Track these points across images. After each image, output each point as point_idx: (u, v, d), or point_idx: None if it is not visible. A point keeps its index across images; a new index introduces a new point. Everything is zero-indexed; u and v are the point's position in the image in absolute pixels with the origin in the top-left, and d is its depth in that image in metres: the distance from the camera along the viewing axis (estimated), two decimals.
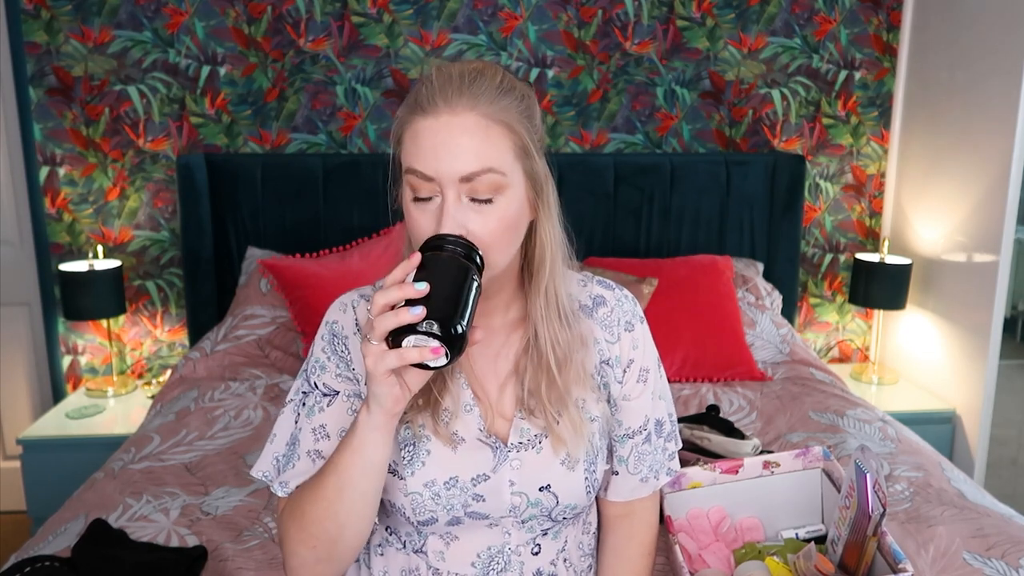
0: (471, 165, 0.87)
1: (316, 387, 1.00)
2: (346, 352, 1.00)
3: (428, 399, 0.97)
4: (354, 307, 1.01)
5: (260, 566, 1.42)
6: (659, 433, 1.10)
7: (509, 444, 0.99)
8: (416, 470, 0.97)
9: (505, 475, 0.99)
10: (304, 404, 1.01)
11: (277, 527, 1.05)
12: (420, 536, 1.02)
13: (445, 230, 0.87)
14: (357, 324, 1.00)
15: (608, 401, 1.06)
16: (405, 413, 0.97)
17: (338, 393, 0.99)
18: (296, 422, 1.01)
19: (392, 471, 0.98)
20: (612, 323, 1.05)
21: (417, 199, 0.90)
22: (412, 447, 0.98)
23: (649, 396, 1.08)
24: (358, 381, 0.99)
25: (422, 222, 0.90)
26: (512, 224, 0.92)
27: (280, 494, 1.00)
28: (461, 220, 0.88)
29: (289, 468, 0.99)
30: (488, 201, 0.89)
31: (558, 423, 0.99)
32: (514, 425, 1.00)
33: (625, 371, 1.06)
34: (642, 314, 1.09)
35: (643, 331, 1.08)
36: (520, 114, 0.91)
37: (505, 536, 1.01)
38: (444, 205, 0.88)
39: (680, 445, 1.16)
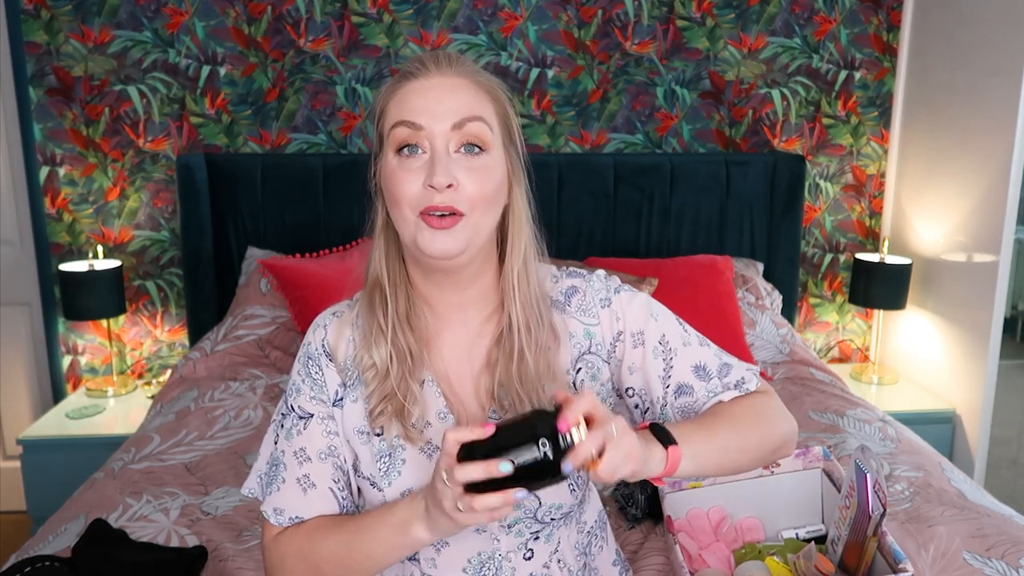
0: (462, 111, 0.90)
1: (293, 409, 1.01)
2: (319, 374, 1.01)
3: (398, 408, 0.96)
4: (325, 327, 1.02)
5: (260, 566, 1.42)
6: (704, 376, 1.01)
7: None
8: (393, 480, 0.97)
9: None
10: (283, 426, 1.02)
11: (270, 558, 1.01)
12: None
13: (436, 178, 0.88)
14: (324, 343, 1.01)
15: (617, 390, 1.04)
16: (376, 420, 0.97)
17: (313, 416, 1.00)
18: (276, 443, 1.03)
19: (371, 483, 0.99)
20: (588, 306, 1.03)
21: (402, 157, 0.91)
22: (388, 458, 0.98)
23: (654, 357, 1.01)
24: (329, 403, 1.00)
25: (408, 180, 0.90)
26: (496, 186, 0.93)
27: (274, 523, 1.00)
28: (452, 171, 0.89)
29: (274, 491, 1.00)
30: (476, 153, 0.91)
31: None
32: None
33: (616, 344, 1.02)
34: (618, 284, 1.04)
35: (622, 299, 1.03)
36: (501, 90, 0.96)
37: (494, 542, 1.00)
38: (434, 156, 0.89)
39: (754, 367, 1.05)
